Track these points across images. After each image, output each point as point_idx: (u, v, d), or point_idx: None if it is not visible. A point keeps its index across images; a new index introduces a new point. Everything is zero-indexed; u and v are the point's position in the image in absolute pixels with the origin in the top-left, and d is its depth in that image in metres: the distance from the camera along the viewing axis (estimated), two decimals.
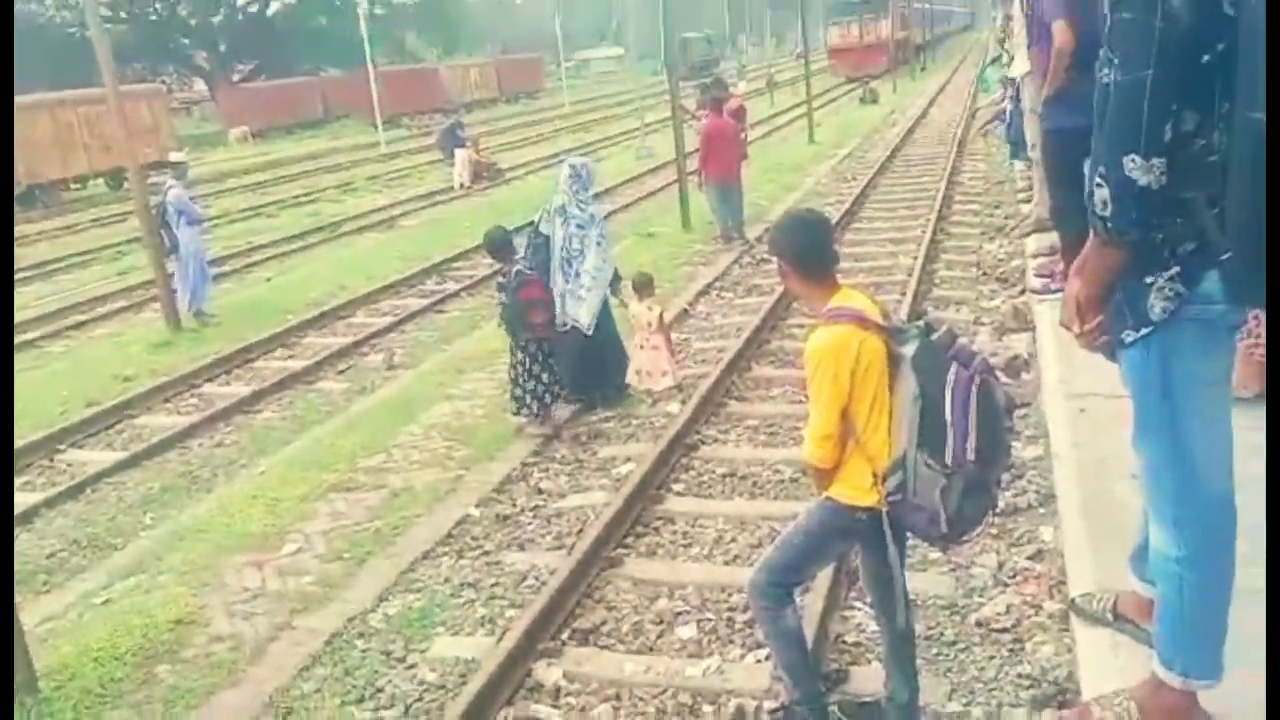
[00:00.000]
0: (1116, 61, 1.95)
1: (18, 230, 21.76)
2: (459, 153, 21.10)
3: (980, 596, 4.01)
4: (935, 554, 4.33)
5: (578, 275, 6.49)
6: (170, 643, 4.45)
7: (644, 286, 6.84)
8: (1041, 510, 4.57)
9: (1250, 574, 2.38)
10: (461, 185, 20.58)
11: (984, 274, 9.06)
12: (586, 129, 33.33)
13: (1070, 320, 2.30)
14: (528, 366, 6.36)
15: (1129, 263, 2.10)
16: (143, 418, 8.02)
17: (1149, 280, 2.10)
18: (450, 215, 17.13)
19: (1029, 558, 4.21)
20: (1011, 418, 2.90)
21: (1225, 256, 1.96)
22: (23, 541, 5.87)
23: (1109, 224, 2.03)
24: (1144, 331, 2.14)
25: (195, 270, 10.77)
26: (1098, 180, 2.01)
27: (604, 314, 6.64)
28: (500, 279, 6.44)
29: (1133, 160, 1.93)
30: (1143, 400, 2.25)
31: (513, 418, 6.50)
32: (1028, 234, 8.72)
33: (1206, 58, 1.87)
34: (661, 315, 6.80)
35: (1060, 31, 5.27)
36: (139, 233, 10.99)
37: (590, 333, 6.55)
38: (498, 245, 6.48)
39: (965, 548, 4.33)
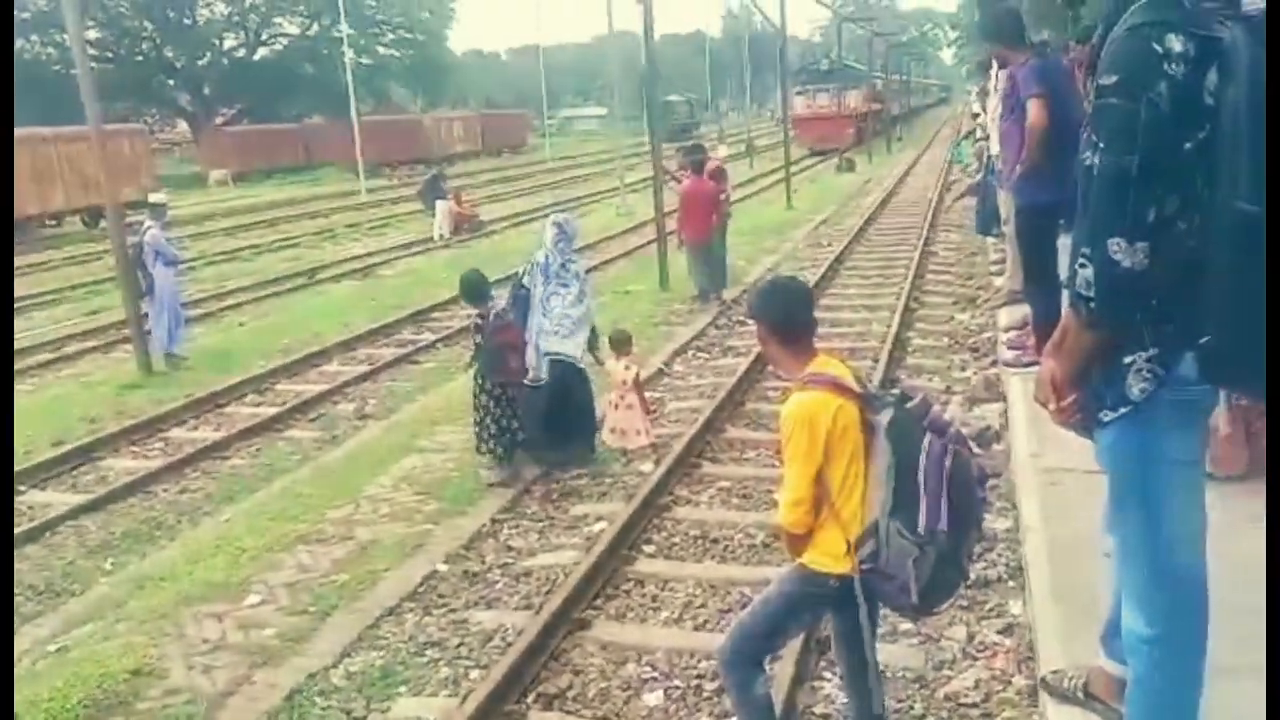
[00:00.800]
0: (1100, 145, 2.01)
1: None
2: (440, 204, 21.20)
3: (949, 669, 4.00)
4: (905, 625, 4.33)
5: (548, 314, 6.46)
6: (125, 694, 4.34)
7: (622, 344, 6.86)
8: (1011, 584, 4.58)
9: (1222, 651, 2.39)
10: (441, 236, 20.65)
11: (956, 344, 9.17)
12: (568, 185, 33.64)
13: (1046, 398, 2.33)
14: (492, 410, 6.37)
15: (1108, 343, 2.15)
16: (108, 460, 7.90)
17: (1127, 361, 2.14)
18: (429, 266, 17.16)
19: (999, 631, 4.21)
20: (984, 489, 2.92)
21: (1204, 340, 2.01)
22: None
23: (1092, 305, 2.08)
24: (1122, 411, 2.17)
25: (169, 312, 10.70)
26: (1081, 261, 2.06)
27: (578, 374, 6.62)
28: (478, 320, 6.46)
29: (1117, 244, 1.98)
30: (1118, 478, 2.28)
31: (479, 461, 6.48)
32: (1000, 306, 8.86)
33: (1188, 145, 1.93)
34: (637, 374, 6.81)
35: (1035, 109, 5.40)
36: (113, 272, 10.91)
37: (578, 364, 6.54)
38: (474, 290, 6.50)
39: (935, 620, 4.33)
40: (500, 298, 6.70)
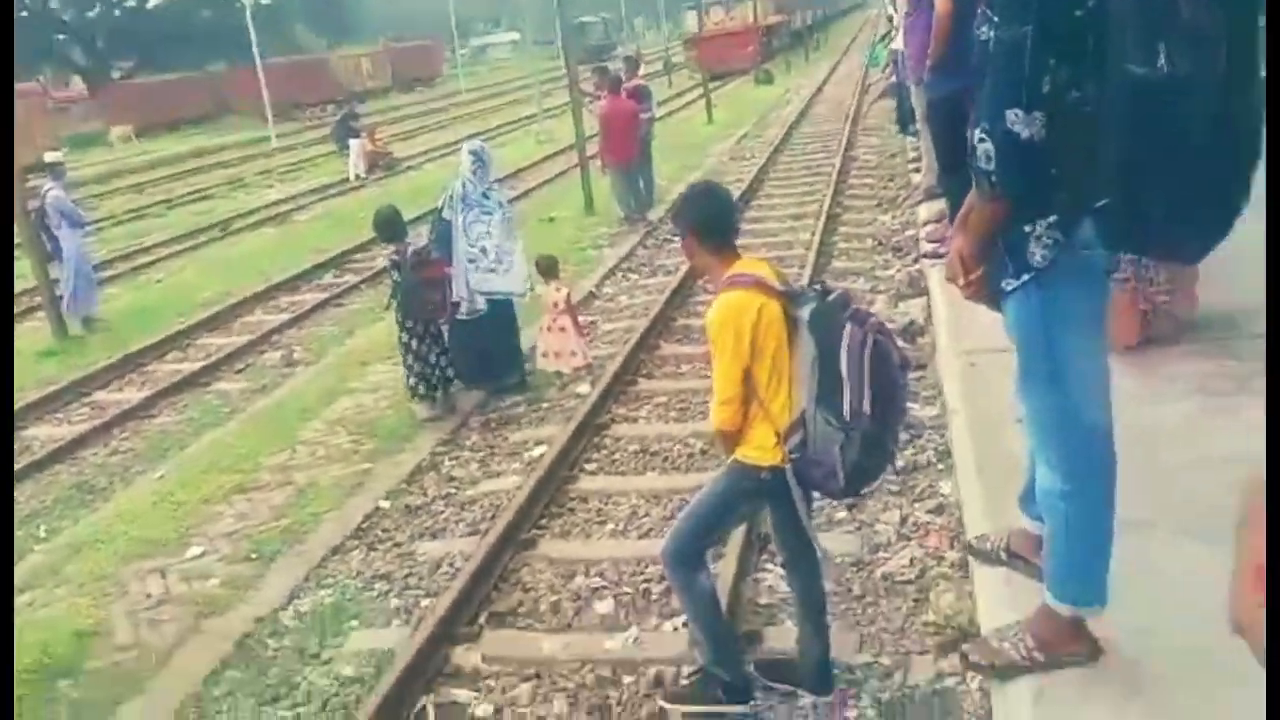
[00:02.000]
0: (995, 19, 2.03)
1: None
2: (353, 143, 20.63)
3: (885, 552, 4.14)
4: (841, 513, 4.46)
5: (484, 252, 6.38)
6: (71, 657, 4.30)
7: (549, 269, 6.82)
8: (940, 466, 4.72)
9: (1131, 506, 2.51)
10: (357, 176, 20.14)
11: (879, 245, 9.28)
12: (484, 116, 32.94)
13: (955, 274, 2.38)
14: (416, 349, 6.29)
15: (1010, 213, 2.19)
16: (31, 429, 7.68)
17: (1028, 229, 2.19)
18: (346, 207, 16.76)
19: (929, 511, 4.36)
20: (906, 375, 2.98)
21: (1100, 204, 2.06)
22: None
23: (993, 177, 2.11)
24: (1024, 278, 2.23)
25: (80, 275, 10.33)
26: (980, 135, 2.09)
27: (502, 303, 6.55)
28: (394, 257, 6.33)
29: (1014, 114, 2.01)
30: (1025, 344, 2.35)
31: (412, 405, 6.43)
32: (918, 203, 8.96)
33: (1079, 12, 1.95)
34: (569, 296, 6.79)
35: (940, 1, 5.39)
36: (19, 240, 10.49)
37: (525, 298, 6.47)
38: (388, 225, 6.39)
39: (869, 506, 4.46)
40: (420, 235, 6.59)
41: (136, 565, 5.02)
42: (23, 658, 4.27)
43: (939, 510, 4.34)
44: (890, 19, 16.95)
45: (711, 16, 35.19)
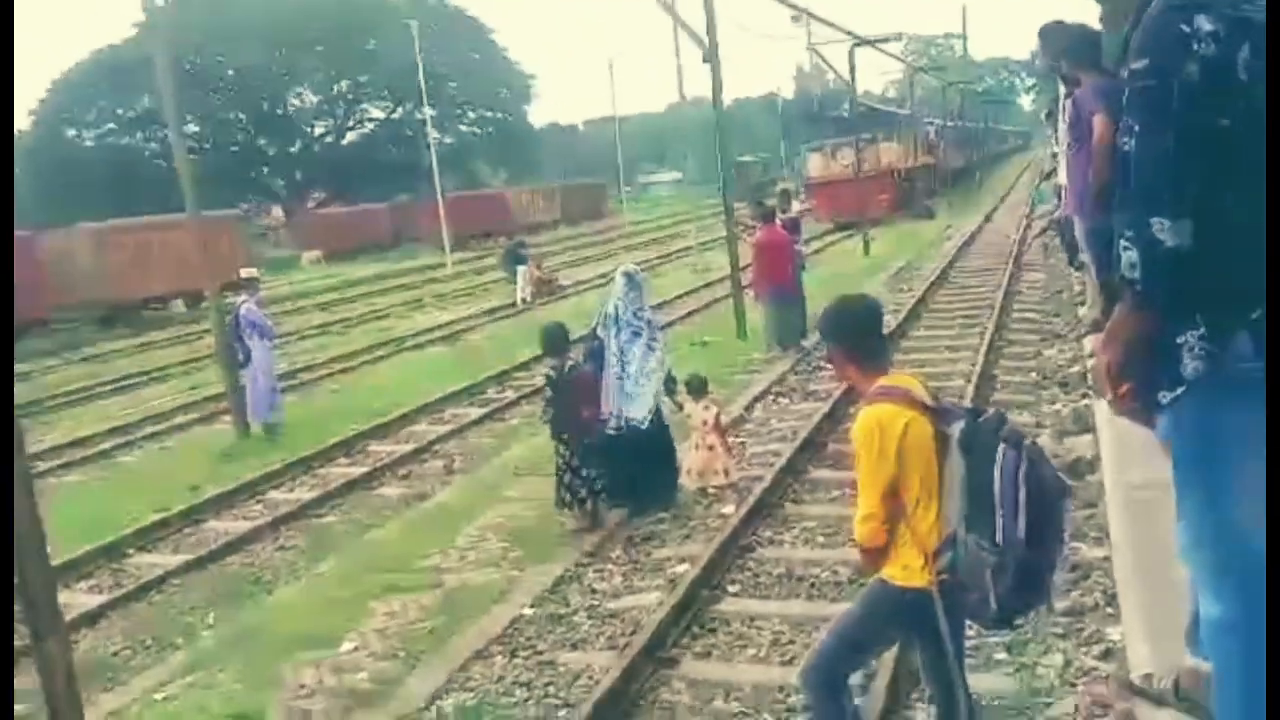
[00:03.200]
0: (1136, 129, 2.02)
1: (101, 347, 22.76)
2: (520, 270, 21.69)
3: (1046, 697, 3.88)
4: (1000, 653, 4.23)
5: (625, 373, 6.54)
6: None
7: (698, 388, 6.91)
8: (1109, 610, 4.42)
9: None
10: (523, 300, 21.08)
11: (1044, 379, 8.97)
12: (644, 247, 34.07)
13: (1103, 388, 2.30)
14: (569, 461, 6.44)
15: (1158, 325, 2.12)
16: (209, 523, 8.20)
17: (1179, 340, 2.11)
18: (512, 329, 17.51)
19: (1096, 657, 4.07)
20: (1065, 503, 2.85)
21: (1255, 315, 1.98)
22: (88, 641, 6.00)
23: (1137, 286, 2.06)
24: (1178, 391, 2.14)
25: (265, 382, 11.11)
26: (1124, 244, 2.05)
27: (657, 419, 6.66)
28: (551, 373, 6.57)
29: (1159, 223, 1.98)
30: (1180, 462, 2.23)
31: (561, 516, 6.53)
32: (1085, 335, 8.65)
33: (1225, 121, 1.93)
34: (718, 415, 6.85)
35: (1099, 125, 5.25)
36: (213, 349, 11.41)
37: (644, 426, 6.56)
38: (553, 340, 6.64)
39: (1031, 647, 4.22)
40: (576, 352, 6.83)
41: (293, 656, 5.21)
42: None
43: (1106, 656, 4.05)
44: (1054, 155, 16.80)
45: (838, 158, 30.52)
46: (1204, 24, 1.92)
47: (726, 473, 6.75)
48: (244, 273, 12.48)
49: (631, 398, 6.56)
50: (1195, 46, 1.93)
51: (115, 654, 5.81)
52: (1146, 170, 2.00)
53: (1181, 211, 1.96)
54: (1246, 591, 2.14)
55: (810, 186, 32.10)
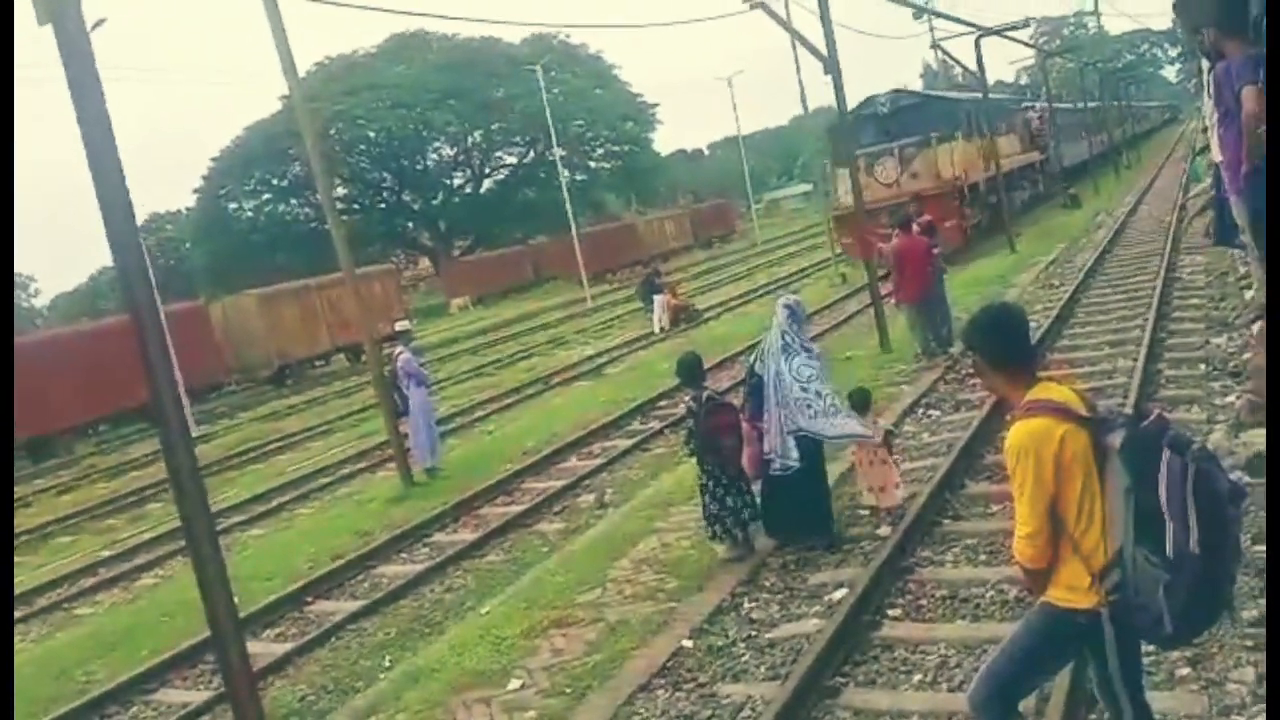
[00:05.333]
0: None
1: (270, 406, 24.22)
2: (657, 299, 21.91)
3: (1237, 715, 3.64)
4: (1184, 669, 3.99)
5: (819, 396, 6.32)
6: None
7: (863, 404, 6.83)
8: None
9: None
10: (661, 329, 21.27)
11: (1214, 370, 8.44)
12: (778, 264, 33.86)
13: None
14: (713, 491, 6.42)
15: None
16: (381, 568, 8.60)
17: None
18: (651, 359, 17.70)
19: None
20: (1240, 508, 2.70)
21: None
22: (276, 688, 6.39)
23: None
24: None
25: (425, 428, 11.58)
26: None
27: (814, 459, 6.44)
28: (690, 404, 6.60)
29: None
30: None
31: (713, 545, 6.54)
32: (1254, 320, 8.11)
33: None
34: (887, 432, 6.79)
35: (1250, 99, 4.94)
36: (375, 400, 12.00)
37: (804, 463, 6.40)
38: (689, 370, 6.67)
39: (1217, 661, 3.97)
40: (717, 381, 6.82)
41: (464, 695, 5.40)
42: None
43: None
44: (1204, 130, 15.84)
45: (879, 173, 21.12)
46: None
47: (899, 486, 6.66)
48: (398, 325, 13.09)
49: (845, 415, 6.36)
50: None
51: (301, 699, 6.16)
52: None
53: None
54: None
55: (838, 220, 22.42)
